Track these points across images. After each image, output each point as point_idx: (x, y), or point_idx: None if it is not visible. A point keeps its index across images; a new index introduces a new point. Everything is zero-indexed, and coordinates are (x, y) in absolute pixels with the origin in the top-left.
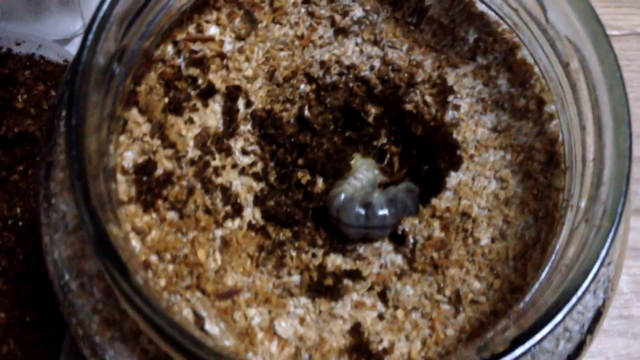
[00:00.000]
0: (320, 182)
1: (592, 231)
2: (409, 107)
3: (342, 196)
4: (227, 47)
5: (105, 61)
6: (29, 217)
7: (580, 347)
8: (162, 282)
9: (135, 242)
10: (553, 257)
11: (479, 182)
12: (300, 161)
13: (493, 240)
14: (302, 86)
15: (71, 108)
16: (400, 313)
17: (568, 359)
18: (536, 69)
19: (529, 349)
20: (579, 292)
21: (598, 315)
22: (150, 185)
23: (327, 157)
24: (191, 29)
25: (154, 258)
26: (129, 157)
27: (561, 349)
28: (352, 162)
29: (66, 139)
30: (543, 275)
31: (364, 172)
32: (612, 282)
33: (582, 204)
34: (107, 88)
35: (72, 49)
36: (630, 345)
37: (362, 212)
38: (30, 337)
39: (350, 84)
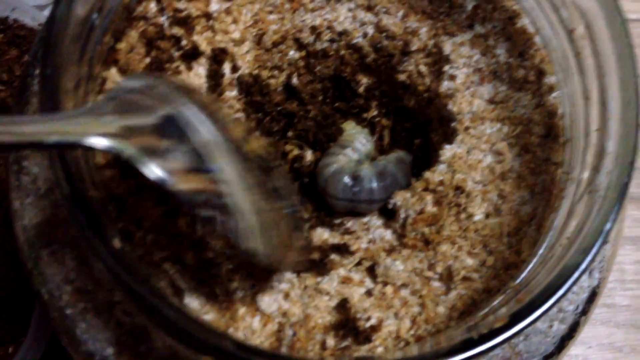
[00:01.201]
0: (309, 154)
1: (596, 203)
2: (402, 77)
3: (334, 167)
4: (214, 7)
5: (84, 12)
6: None
7: (574, 329)
8: (140, 252)
9: (111, 209)
10: (551, 233)
11: (474, 155)
12: (290, 133)
13: (487, 215)
14: (292, 52)
15: (47, 57)
16: (389, 289)
17: (561, 340)
18: (537, 39)
19: (528, 326)
20: (583, 265)
21: (593, 296)
22: None
23: (317, 125)
24: None
25: (131, 226)
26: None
27: (555, 329)
28: (347, 128)
29: (41, 90)
30: (541, 250)
31: (363, 142)
32: (608, 262)
33: (585, 176)
34: (85, 41)
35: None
36: (613, 334)
37: (350, 185)
38: None
39: (342, 52)
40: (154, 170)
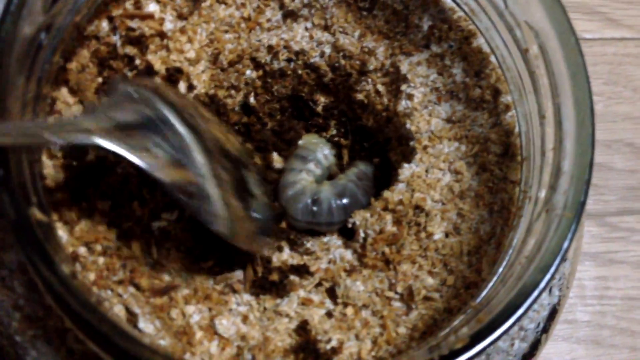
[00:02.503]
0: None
1: (553, 222)
2: (360, 96)
3: (296, 187)
4: (168, 26)
5: (32, 31)
6: None
7: (535, 347)
8: (92, 276)
9: (62, 232)
10: (510, 251)
11: (433, 174)
12: (248, 145)
13: (447, 234)
14: (248, 72)
15: None
16: (349, 310)
17: (523, 359)
18: (492, 58)
19: (488, 345)
20: (542, 283)
21: (553, 313)
22: (80, 171)
23: (275, 133)
24: (128, 4)
25: (82, 250)
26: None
27: (516, 348)
28: (309, 139)
29: None
30: (500, 269)
31: (326, 152)
32: (567, 279)
33: (542, 195)
34: (32, 61)
35: None
36: (574, 350)
37: (310, 207)
38: None
39: (299, 71)
40: (145, 165)
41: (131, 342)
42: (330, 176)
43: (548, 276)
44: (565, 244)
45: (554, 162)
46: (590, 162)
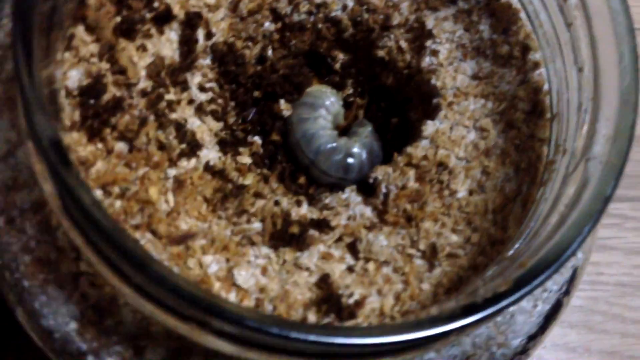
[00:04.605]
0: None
1: (596, 169)
2: (381, 53)
3: (324, 139)
4: None
5: None
6: None
7: (557, 308)
8: None
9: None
10: (543, 204)
11: (458, 131)
12: (257, 93)
13: (471, 192)
14: (267, 24)
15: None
16: (371, 266)
17: (545, 320)
18: (522, 15)
19: (531, 290)
20: (588, 226)
21: (574, 275)
22: (97, 111)
23: (284, 78)
24: None
25: (98, 192)
26: (74, 77)
27: (539, 309)
28: (318, 87)
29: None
30: (532, 223)
31: (332, 99)
32: (590, 239)
33: (579, 146)
34: None
35: None
36: (567, 334)
37: (343, 163)
38: None
39: (319, 25)
40: None
41: (169, 272)
42: (336, 127)
43: (593, 220)
44: (610, 189)
45: (594, 111)
46: (635, 106)
